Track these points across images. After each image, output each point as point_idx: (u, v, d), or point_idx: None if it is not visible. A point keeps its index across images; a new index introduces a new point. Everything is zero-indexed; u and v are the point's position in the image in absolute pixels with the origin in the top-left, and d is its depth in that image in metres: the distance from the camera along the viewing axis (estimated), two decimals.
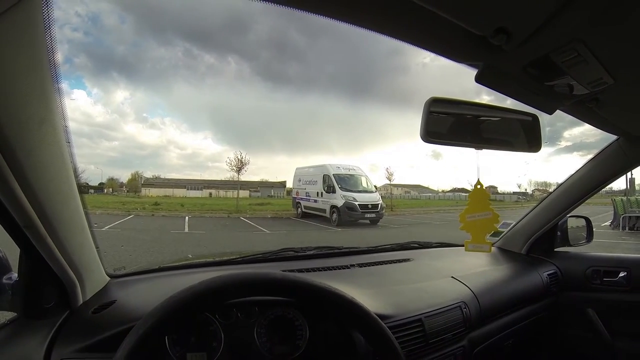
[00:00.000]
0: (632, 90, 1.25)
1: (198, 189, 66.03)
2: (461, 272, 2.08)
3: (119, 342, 0.98)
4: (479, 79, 1.05)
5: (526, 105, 1.29)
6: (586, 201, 2.39)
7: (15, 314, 1.28)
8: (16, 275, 1.23)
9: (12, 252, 1.21)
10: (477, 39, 0.88)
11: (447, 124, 1.33)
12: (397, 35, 0.93)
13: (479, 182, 1.45)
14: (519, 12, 0.80)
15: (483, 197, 1.47)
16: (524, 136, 1.45)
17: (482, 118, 1.39)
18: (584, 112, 1.47)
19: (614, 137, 2.03)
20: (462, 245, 1.59)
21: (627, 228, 16.10)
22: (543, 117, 1.43)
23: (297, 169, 24.90)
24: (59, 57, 0.84)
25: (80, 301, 1.35)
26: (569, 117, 1.51)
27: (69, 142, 1.02)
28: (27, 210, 0.93)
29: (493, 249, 2.71)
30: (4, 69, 0.71)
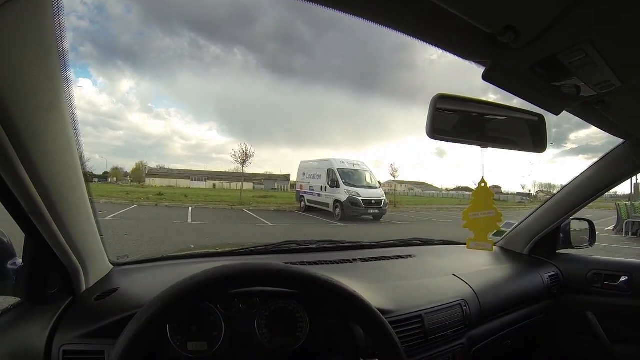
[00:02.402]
0: (639, 93, 1.24)
1: (202, 180, 66.34)
2: (463, 270, 2.09)
3: (121, 329, 0.98)
4: (486, 77, 1.05)
5: (533, 105, 1.29)
6: (590, 205, 2.38)
7: (19, 299, 1.29)
8: (20, 260, 1.24)
9: (17, 238, 1.22)
10: (485, 37, 0.88)
11: (453, 121, 1.33)
12: (405, 30, 0.92)
13: (483, 180, 1.44)
14: (528, 10, 0.80)
15: (487, 195, 1.46)
16: (530, 136, 1.44)
17: (488, 116, 1.39)
18: (590, 114, 1.46)
19: (620, 140, 2.02)
20: (465, 244, 1.60)
21: (630, 233, 16.01)
22: (549, 118, 1.42)
23: (301, 162, 25.03)
24: (67, 45, 0.85)
25: (84, 288, 1.36)
26: (576, 119, 1.50)
27: (75, 130, 1.02)
28: (34, 196, 0.93)
29: (495, 248, 2.72)
30: (14, 56, 0.72)
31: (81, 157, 1.10)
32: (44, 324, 1.20)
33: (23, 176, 0.87)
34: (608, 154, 2.14)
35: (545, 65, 1.02)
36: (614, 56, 0.97)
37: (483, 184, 1.45)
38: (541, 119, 1.44)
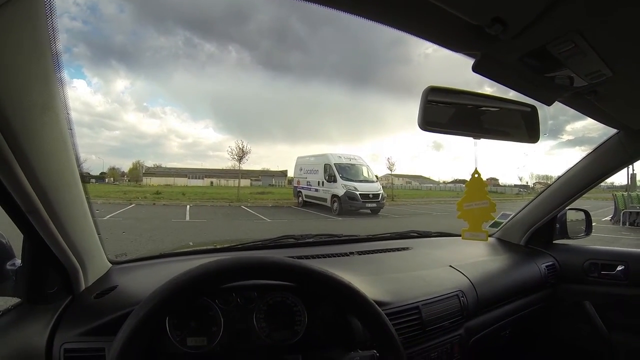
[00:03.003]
0: (631, 83, 1.25)
1: (199, 178, 66.20)
2: (459, 262, 2.10)
3: (120, 326, 0.99)
4: (476, 69, 1.06)
5: (526, 97, 1.30)
6: (587, 196, 2.39)
7: (19, 299, 1.29)
8: (20, 261, 1.25)
9: (16, 240, 1.23)
10: (474, 29, 0.88)
11: (445, 113, 1.34)
12: (395, 24, 0.93)
13: (476, 171, 1.45)
14: (515, 2, 0.80)
15: (480, 186, 1.47)
16: (523, 127, 1.45)
17: (480, 108, 1.40)
18: (583, 104, 1.47)
19: (614, 130, 2.03)
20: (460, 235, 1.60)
21: (627, 223, 16.11)
22: (544, 109, 1.43)
23: (298, 158, 25.03)
24: (60, 46, 0.85)
25: (83, 287, 1.36)
26: (572, 110, 1.51)
27: (70, 130, 1.03)
28: (31, 195, 0.94)
29: (492, 239, 2.74)
30: (8, 57, 0.72)
31: (77, 157, 1.10)
32: (44, 323, 1.20)
33: (20, 176, 0.87)
34: (602, 144, 2.14)
35: (536, 56, 1.03)
36: (604, 46, 0.98)
37: (476, 175, 1.46)
38: (533, 109, 1.44)
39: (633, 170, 17.06)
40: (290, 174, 32.02)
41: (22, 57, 0.76)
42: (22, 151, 0.84)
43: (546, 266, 2.44)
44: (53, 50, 0.84)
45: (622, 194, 17.45)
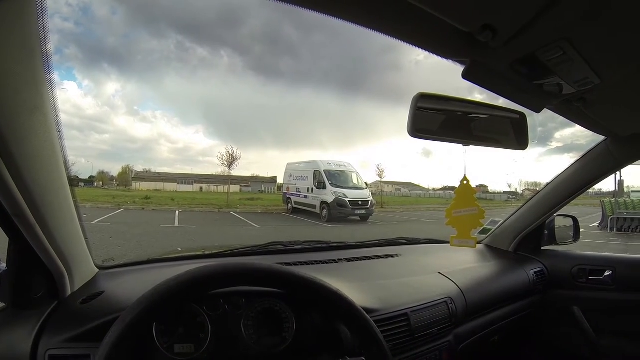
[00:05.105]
0: (618, 90, 1.26)
1: (189, 183, 65.77)
2: (448, 268, 2.10)
3: (106, 332, 0.98)
4: (466, 76, 1.06)
5: (515, 104, 1.31)
6: (575, 202, 2.41)
7: (4, 304, 1.27)
8: (4, 265, 1.23)
9: (1, 242, 1.21)
10: (464, 36, 0.89)
11: (435, 119, 1.34)
12: (386, 31, 0.93)
13: (465, 178, 1.45)
14: (505, 9, 0.81)
15: (469, 192, 1.47)
16: (512, 134, 1.46)
17: (469, 115, 1.40)
18: (571, 111, 1.48)
19: (602, 137, 2.05)
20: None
21: (614, 229, 16.28)
22: (533, 116, 1.44)
23: (288, 164, 24.89)
24: (51, 47, 0.85)
25: (69, 292, 1.35)
26: (561, 118, 1.52)
27: (59, 132, 1.02)
28: (17, 198, 0.93)
29: (481, 246, 2.75)
30: None
31: (65, 160, 1.09)
32: (29, 329, 1.18)
33: (6, 177, 0.86)
34: (590, 151, 2.17)
35: (525, 63, 1.03)
36: (592, 54, 0.99)
37: (465, 182, 1.47)
38: (522, 116, 1.45)
39: (620, 176, 17.24)
40: (280, 180, 31.87)
41: (10, 57, 0.75)
42: (9, 153, 0.83)
43: (535, 272, 2.46)
44: (43, 50, 0.83)
45: (610, 200, 17.62)
